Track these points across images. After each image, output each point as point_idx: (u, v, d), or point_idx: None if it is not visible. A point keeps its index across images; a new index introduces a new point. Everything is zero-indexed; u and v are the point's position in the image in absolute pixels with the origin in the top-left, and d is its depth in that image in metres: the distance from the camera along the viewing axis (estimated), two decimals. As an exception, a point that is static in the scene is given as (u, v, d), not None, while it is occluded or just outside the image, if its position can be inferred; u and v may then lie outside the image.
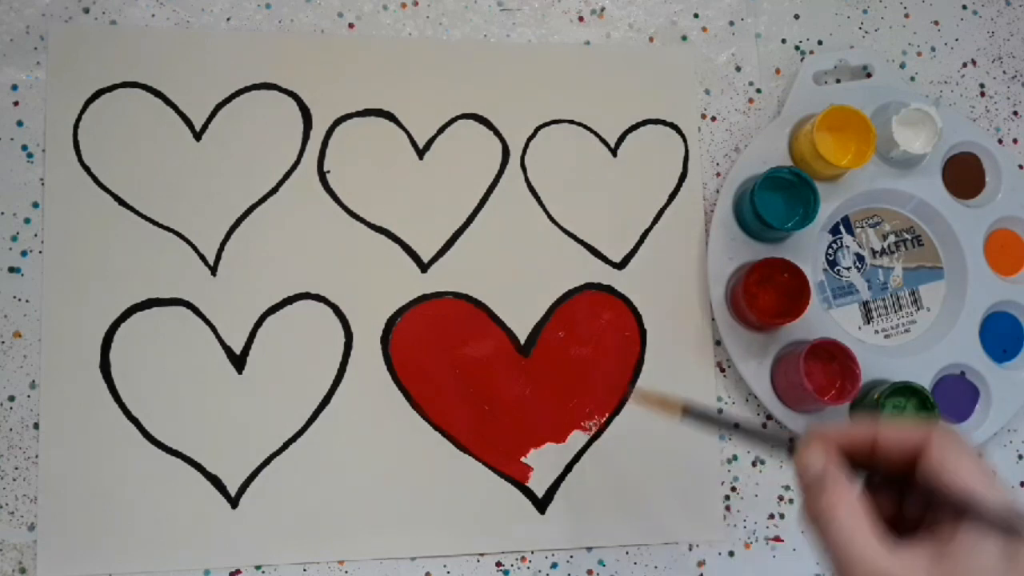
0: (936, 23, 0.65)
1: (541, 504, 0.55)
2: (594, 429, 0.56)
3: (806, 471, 0.38)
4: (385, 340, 0.56)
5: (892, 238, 0.60)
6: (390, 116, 0.58)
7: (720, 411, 0.47)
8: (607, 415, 0.57)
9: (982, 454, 0.37)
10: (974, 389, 0.60)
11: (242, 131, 0.56)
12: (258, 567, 0.53)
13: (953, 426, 0.37)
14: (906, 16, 0.64)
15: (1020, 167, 0.63)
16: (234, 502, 0.53)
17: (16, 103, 0.54)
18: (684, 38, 0.62)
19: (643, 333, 0.58)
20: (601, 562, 0.55)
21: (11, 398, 0.52)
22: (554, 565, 0.55)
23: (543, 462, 0.56)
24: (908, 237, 0.61)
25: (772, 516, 0.58)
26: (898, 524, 0.38)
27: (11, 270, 0.53)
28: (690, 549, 0.56)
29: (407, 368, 0.55)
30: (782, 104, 0.61)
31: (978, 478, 0.36)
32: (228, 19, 0.57)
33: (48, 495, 0.51)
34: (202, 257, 0.55)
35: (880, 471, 0.38)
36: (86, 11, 0.56)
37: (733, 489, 0.57)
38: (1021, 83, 0.65)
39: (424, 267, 0.57)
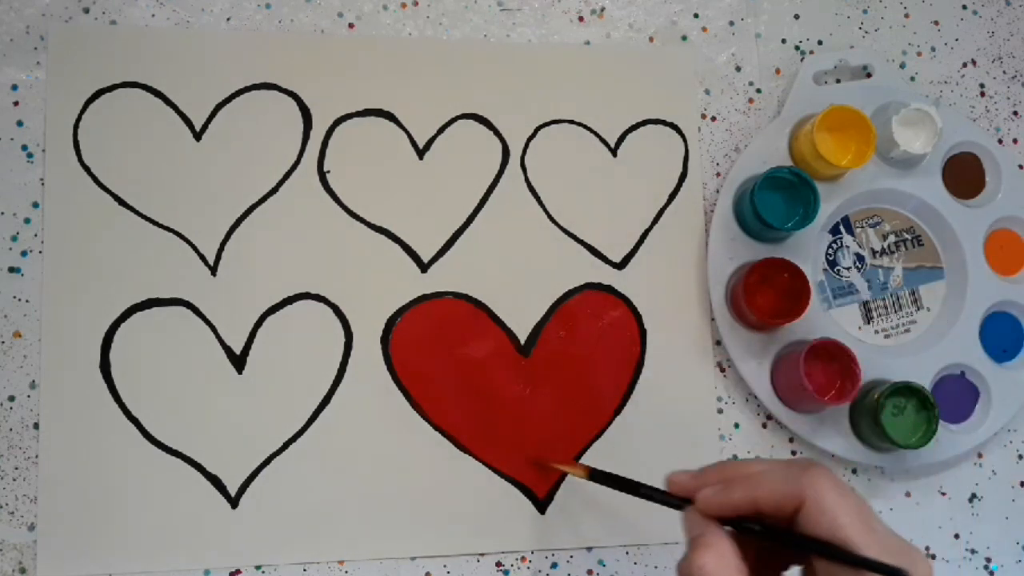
0: (936, 23, 0.65)
1: (541, 504, 0.55)
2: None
3: (687, 533, 0.39)
4: (385, 340, 0.56)
5: (892, 238, 0.60)
6: (390, 116, 0.58)
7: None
8: (608, 416, 0.57)
9: (859, 500, 0.38)
10: (974, 389, 0.60)
11: (242, 131, 0.56)
12: (258, 567, 0.53)
13: (828, 470, 0.38)
14: (906, 16, 0.64)
15: (1020, 167, 0.63)
16: (234, 502, 0.53)
17: (16, 103, 0.54)
18: (684, 38, 0.62)
19: (643, 333, 0.58)
20: (601, 562, 0.55)
21: (11, 398, 0.52)
22: (554, 565, 0.55)
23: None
24: (908, 237, 0.61)
25: (772, 516, 0.58)
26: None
27: (11, 270, 0.53)
28: (690, 549, 0.56)
29: (407, 368, 0.55)
30: (782, 104, 0.61)
31: (856, 528, 0.36)
32: (228, 19, 0.57)
33: (48, 495, 0.51)
34: (202, 257, 0.55)
35: (761, 527, 0.39)
36: (86, 11, 0.56)
37: (733, 489, 0.57)
38: (1021, 83, 0.65)
39: (424, 267, 0.57)
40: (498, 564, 0.55)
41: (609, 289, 0.58)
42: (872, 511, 0.38)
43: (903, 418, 0.56)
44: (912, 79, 0.64)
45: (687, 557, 0.38)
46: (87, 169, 0.54)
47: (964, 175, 0.61)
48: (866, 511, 0.37)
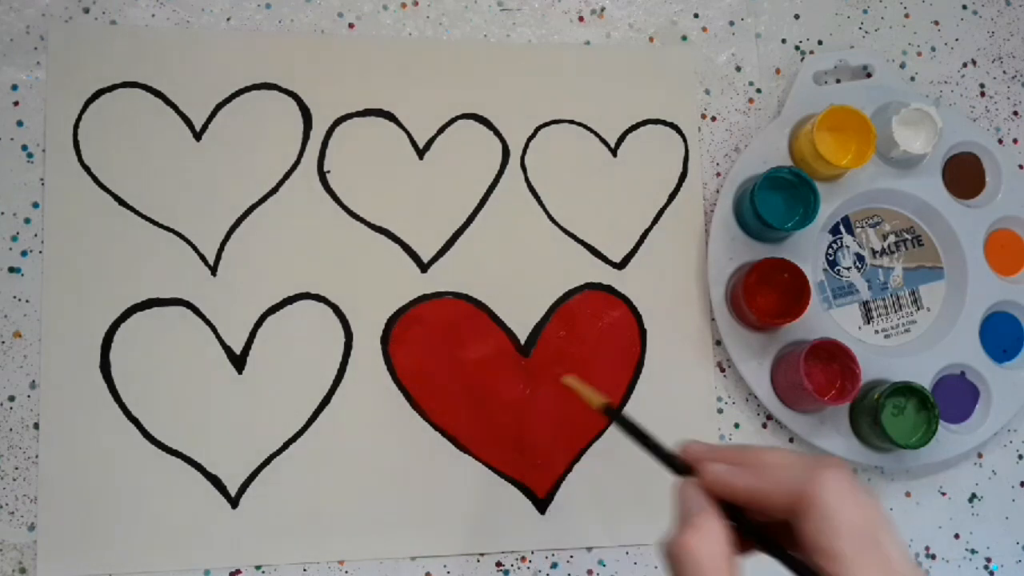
0: (936, 23, 0.65)
1: (541, 504, 0.55)
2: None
3: (680, 506, 0.37)
4: (385, 340, 0.56)
5: (892, 238, 0.60)
6: (390, 116, 0.58)
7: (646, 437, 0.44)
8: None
9: (869, 511, 0.35)
10: (974, 389, 0.60)
11: (242, 131, 0.56)
12: (258, 567, 0.53)
13: (844, 472, 0.35)
14: (906, 16, 0.64)
15: (1020, 167, 0.63)
16: (234, 502, 0.53)
17: (16, 103, 0.54)
18: (684, 38, 0.62)
19: (643, 333, 0.58)
20: (601, 562, 0.55)
21: (11, 398, 0.52)
22: (554, 565, 0.55)
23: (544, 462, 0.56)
24: (908, 237, 0.61)
25: (772, 516, 0.58)
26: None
27: (11, 270, 0.53)
28: (690, 549, 0.56)
29: (407, 368, 0.55)
30: (782, 104, 0.61)
31: (853, 544, 0.33)
32: (228, 19, 0.57)
33: (48, 495, 0.51)
34: (202, 257, 0.55)
35: (752, 520, 0.37)
36: (86, 11, 0.56)
37: (733, 489, 0.57)
38: (1021, 83, 0.65)
39: (424, 267, 0.57)
40: (498, 564, 0.55)
41: (609, 289, 0.58)
42: (886, 526, 0.35)
43: (903, 418, 0.56)
44: (912, 79, 0.64)
45: (673, 535, 0.36)
46: (87, 169, 0.54)
47: (964, 175, 0.61)
48: (874, 525, 0.34)
